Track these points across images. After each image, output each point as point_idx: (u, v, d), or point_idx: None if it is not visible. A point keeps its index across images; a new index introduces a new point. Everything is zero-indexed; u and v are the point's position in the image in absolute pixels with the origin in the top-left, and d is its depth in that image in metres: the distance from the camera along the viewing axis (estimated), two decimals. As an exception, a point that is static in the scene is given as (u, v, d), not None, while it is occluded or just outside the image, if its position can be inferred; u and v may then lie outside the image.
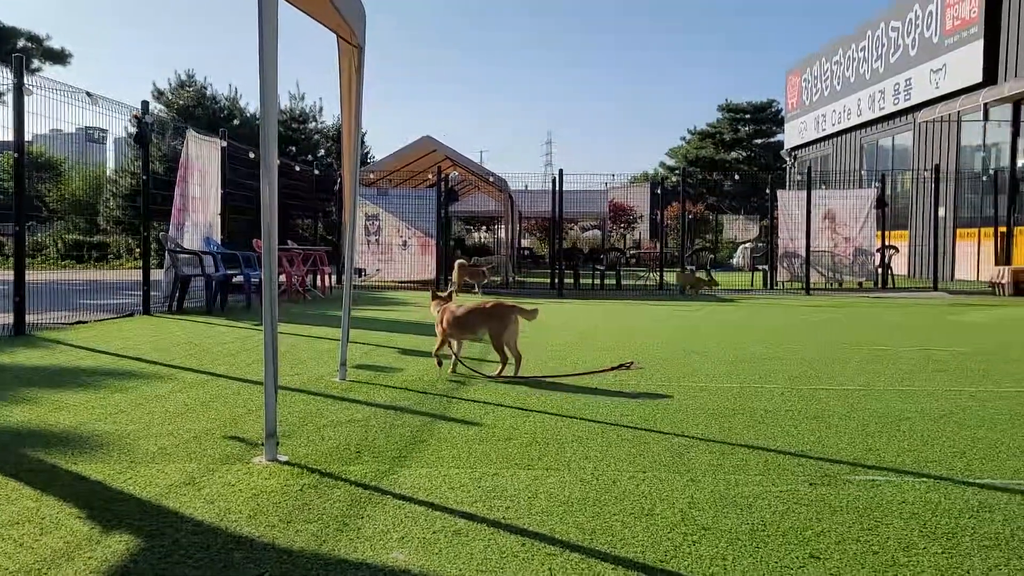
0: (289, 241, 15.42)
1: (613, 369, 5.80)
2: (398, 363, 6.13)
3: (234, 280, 11.17)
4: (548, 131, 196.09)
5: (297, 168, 18.61)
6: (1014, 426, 4.10)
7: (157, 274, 10.69)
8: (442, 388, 5.09)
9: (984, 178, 18.08)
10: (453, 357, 5.74)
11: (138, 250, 16.30)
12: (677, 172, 27.52)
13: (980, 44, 17.99)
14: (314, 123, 35.22)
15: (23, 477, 3.12)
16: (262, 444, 3.41)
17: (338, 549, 2.40)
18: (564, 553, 2.40)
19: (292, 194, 18.74)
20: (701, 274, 16.22)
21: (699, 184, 42.61)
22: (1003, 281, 15.01)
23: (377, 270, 16.91)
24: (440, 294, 6.05)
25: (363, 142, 36.57)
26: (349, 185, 5.51)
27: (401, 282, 16.63)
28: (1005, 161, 17.91)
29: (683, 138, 54.86)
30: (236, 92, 35.13)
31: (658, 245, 19.75)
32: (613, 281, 17.68)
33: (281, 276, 12.88)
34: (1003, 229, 17.18)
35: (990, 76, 17.78)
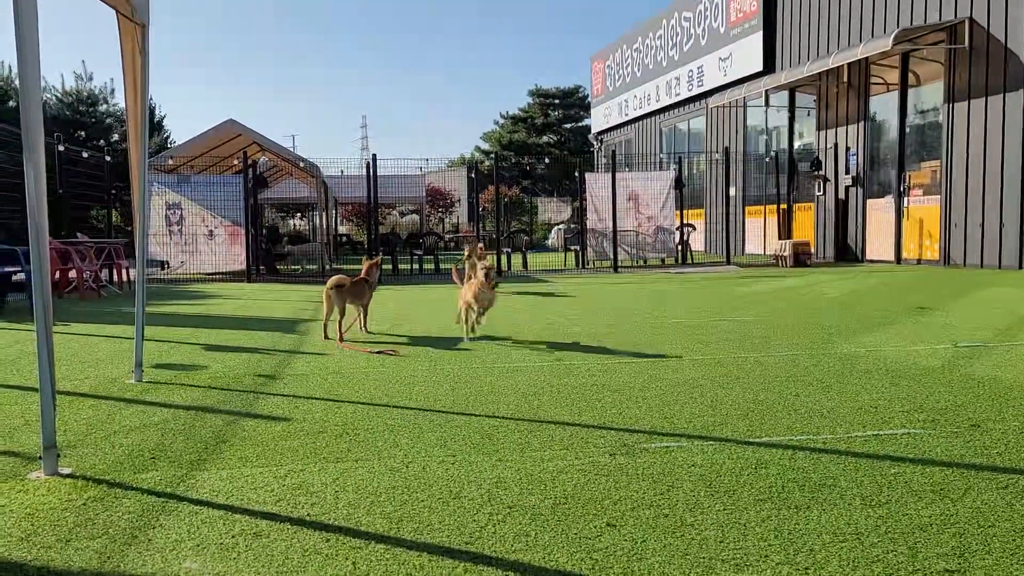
0: (79, 233, 14.19)
1: (379, 353, 6.02)
2: (202, 360, 5.81)
3: (14, 278, 10.13)
4: (363, 115, 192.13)
5: (85, 154, 17.11)
6: (788, 386, 4.51)
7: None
8: (249, 384, 4.88)
9: (767, 159, 19.72)
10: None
11: None
12: (492, 156, 27.89)
13: (760, 35, 19.56)
14: (105, 105, 32.52)
15: None
16: (40, 458, 3.11)
17: (124, 565, 2.24)
18: (369, 545, 2.38)
19: (82, 183, 17.26)
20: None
21: (513, 167, 43.49)
22: (785, 254, 16.50)
23: (181, 262, 15.93)
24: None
25: (162, 126, 34.23)
26: (137, 172, 5.13)
27: (209, 274, 15.77)
28: (784, 143, 19.63)
29: (496, 122, 55.69)
30: (11, 71, 31.69)
31: (475, 228, 19.96)
32: (432, 265, 17.72)
33: (73, 272, 11.84)
34: (784, 206, 18.85)
35: (769, 65, 19.38)
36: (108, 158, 16.36)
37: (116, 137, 31.13)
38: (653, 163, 24.24)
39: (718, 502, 2.70)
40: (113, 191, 17.02)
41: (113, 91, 32.80)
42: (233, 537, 2.44)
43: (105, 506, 2.72)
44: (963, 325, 6.88)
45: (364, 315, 7.15)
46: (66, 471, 3.08)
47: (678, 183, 18.06)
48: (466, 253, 9.50)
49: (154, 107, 34.01)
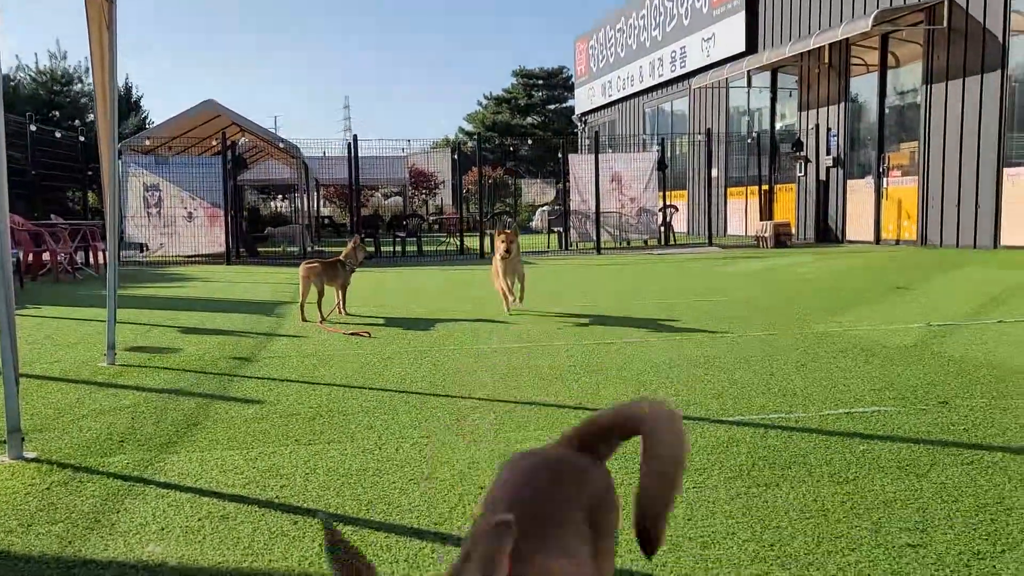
0: (53, 215, 14.01)
1: (353, 334, 5.97)
2: (178, 343, 5.77)
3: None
4: (345, 96, 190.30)
5: (58, 135, 16.84)
6: (764, 365, 4.53)
7: None
8: (224, 366, 4.85)
9: (749, 140, 19.73)
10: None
11: None
12: (475, 137, 27.75)
13: (742, 16, 19.50)
14: (80, 84, 32.00)
15: None
16: (4, 442, 3.07)
17: (85, 549, 2.21)
18: (338, 527, 2.36)
19: (55, 164, 17.03)
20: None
21: (497, 148, 43.33)
22: (766, 235, 16.56)
23: (161, 245, 15.78)
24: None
25: (139, 107, 33.79)
26: (107, 150, 5.05)
27: (189, 257, 15.63)
28: (766, 124, 19.64)
29: (480, 103, 55.40)
30: (-18, 49, 31.12)
31: (459, 210, 19.90)
32: (415, 248, 17.66)
33: (47, 255, 11.70)
34: (766, 187, 18.89)
35: (751, 46, 19.34)
36: (82, 138, 16.14)
37: (92, 117, 30.67)
38: (636, 144, 24.22)
39: (688, 480, 2.70)
40: (89, 172, 16.79)
41: (88, 69, 32.29)
42: (199, 520, 2.43)
43: (69, 490, 2.69)
44: (937, 304, 6.94)
45: (343, 297, 7.11)
46: (31, 455, 3.05)
47: (661, 164, 18.04)
48: (502, 248, 6.81)
49: (131, 87, 33.54)
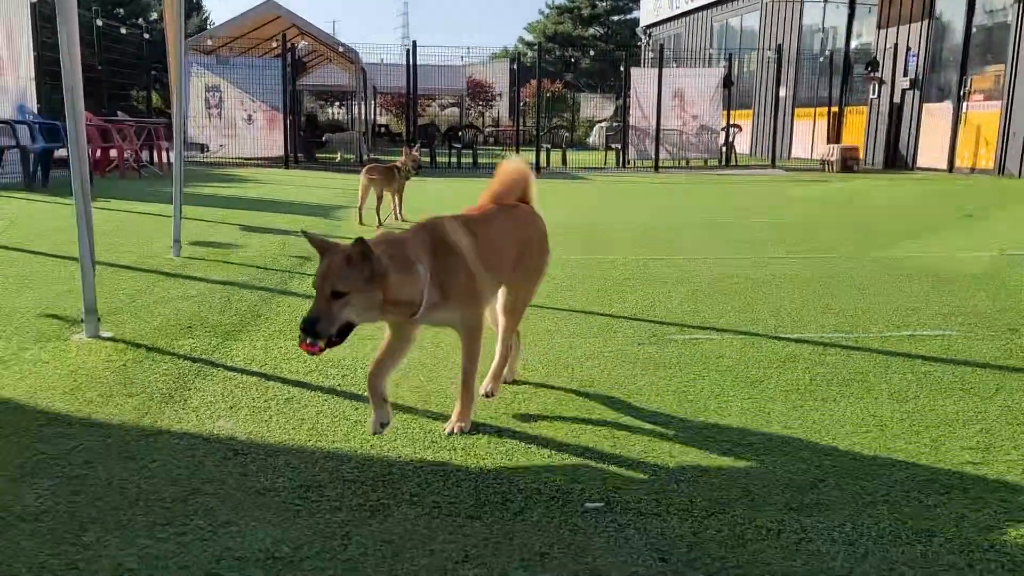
0: (120, 112, 14.23)
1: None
2: (239, 240, 5.89)
3: (57, 154, 10.25)
4: (404, 1, 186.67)
5: (123, 31, 16.94)
6: (824, 287, 4.45)
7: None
8: (284, 264, 4.95)
9: (822, 59, 18.90)
10: None
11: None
12: (535, 48, 27.03)
13: (825, -76, 18.40)
14: (144, -17, 32.02)
15: None
16: (82, 321, 3.21)
17: (160, 421, 2.33)
18: (395, 414, 2.43)
19: (121, 60, 17.19)
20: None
21: (557, 61, 42.35)
22: (832, 158, 16.02)
23: (221, 146, 15.96)
24: None
25: (200, 6, 33.71)
26: (174, 52, 5.07)
27: (247, 159, 15.81)
28: (841, 43, 18.75)
29: (542, 12, 53.92)
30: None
31: (515, 124, 19.63)
32: (470, 159, 17.56)
33: (114, 151, 11.94)
34: (835, 109, 18.17)
35: (832, -42, 18.31)
36: (147, 35, 16.21)
37: (155, 16, 30.74)
38: (702, 60, 23.38)
39: (743, 392, 2.70)
40: (153, 71, 16.92)
41: (152, -32, 32.20)
42: (265, 401, 2.52)
43: (143, 368, 2.81)
44: (1011, 234, 6.69)
45: (399, 202, 7.15)
46: (107, 335, 3.18)
47: (727, 82, 17.44)
48: None
49: (193, -13, 33.42)
